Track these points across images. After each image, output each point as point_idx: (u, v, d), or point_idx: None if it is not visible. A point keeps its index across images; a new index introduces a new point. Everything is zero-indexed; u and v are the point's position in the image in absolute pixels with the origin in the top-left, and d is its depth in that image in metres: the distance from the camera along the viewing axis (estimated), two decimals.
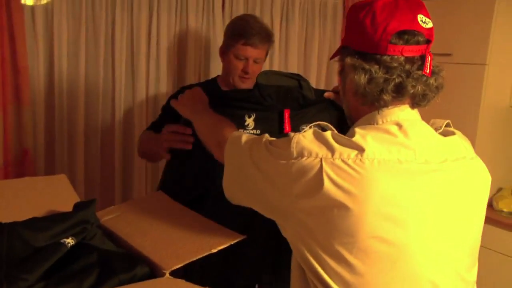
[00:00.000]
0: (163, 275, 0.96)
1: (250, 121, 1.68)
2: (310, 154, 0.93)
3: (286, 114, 1.48)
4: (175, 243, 1.06)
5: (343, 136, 0.96)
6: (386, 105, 1.00)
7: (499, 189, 2.64)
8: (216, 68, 2.40)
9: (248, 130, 1.59)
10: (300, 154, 0.93)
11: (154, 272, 0.99)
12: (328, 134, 0.96)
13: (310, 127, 1.01)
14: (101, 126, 2.19)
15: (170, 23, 2.26)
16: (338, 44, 2.69)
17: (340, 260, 0.90)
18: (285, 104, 1.50)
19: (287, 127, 1.47)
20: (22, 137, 1.96)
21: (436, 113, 2.69)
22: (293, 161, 0.94)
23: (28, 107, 1.95)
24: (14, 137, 1.96)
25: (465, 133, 2.72)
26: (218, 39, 2.36)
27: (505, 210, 2.50)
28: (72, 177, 2.06)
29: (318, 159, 0.92)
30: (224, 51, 1.85)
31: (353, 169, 0.89)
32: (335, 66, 2.63)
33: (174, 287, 0.91)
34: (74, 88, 2.09)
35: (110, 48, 2.16)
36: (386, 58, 0.97)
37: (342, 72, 1.08)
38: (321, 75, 2.75)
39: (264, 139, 1.04)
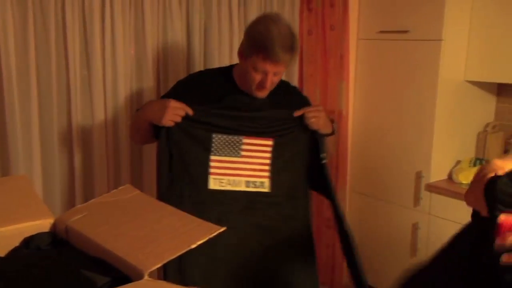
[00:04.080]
0: (141, 277, 0.91)
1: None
2: None
3: None
4: (152, 241, 1.01)
5: None
6: None
7: (458, 162, 2.72)
8: (175, 66, 2.31)
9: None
10: None
11: (131, 275, 0.94)
12: None
13: None
14: (56, 126, 2.08)
15: (125, 17, 2.14)
16: (297, 29, 2.65)
17: None
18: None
19: None
20: None
21: (397, 90, 2.74)
22: None
23: None
24: None
25: (425, 108, 2.79)
26: (177, 36, 2.28)
27: (464, 182, 2.58)
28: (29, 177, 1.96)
29: None
30: (242, 55, 1.72)
31: None
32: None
33: None
34: (25, 87, 1.96)
35: (62, 43, 2.03)
36: None
37: None
38: None
39: None
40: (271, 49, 1.61)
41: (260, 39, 1.63)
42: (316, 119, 1.76)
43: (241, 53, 1.74)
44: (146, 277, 0.91)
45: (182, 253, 0.96)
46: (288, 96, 1.88)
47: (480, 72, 2.62)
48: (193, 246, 0.98)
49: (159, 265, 0.93)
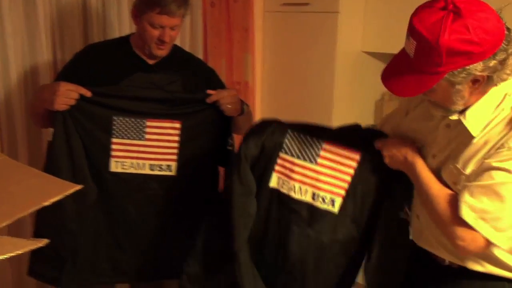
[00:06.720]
0: None
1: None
2: None
3: None
4: (5, 202, 1.03)
5: None
6: None
7: None
8: (71, 35, 2.25)
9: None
10: None
11: None
12: None
13: None
14: None
15: None
16: (199, 1, 2.65)
17: None
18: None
19: None
20: None
21: (300, 61, 2.83)
22: None
23: None
24: None
25: (325, 78, 2.88)
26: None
27: None
28: None
29: None
30: (137, 15, 1.69)
31: None
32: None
33: None
34: None
35: None
36: None
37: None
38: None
39: None
40: (166, 1, 1.63)
41: None
42: (233, 104, 1.74)
43: (135, 14, 1.73)
44: None
45: (33, 210, 0.99)
46: (196, 74, 1.88)
47: (377, 43, 2.76)
48: (45, 203, 1.00)
49: (8, 223, 0.95)
